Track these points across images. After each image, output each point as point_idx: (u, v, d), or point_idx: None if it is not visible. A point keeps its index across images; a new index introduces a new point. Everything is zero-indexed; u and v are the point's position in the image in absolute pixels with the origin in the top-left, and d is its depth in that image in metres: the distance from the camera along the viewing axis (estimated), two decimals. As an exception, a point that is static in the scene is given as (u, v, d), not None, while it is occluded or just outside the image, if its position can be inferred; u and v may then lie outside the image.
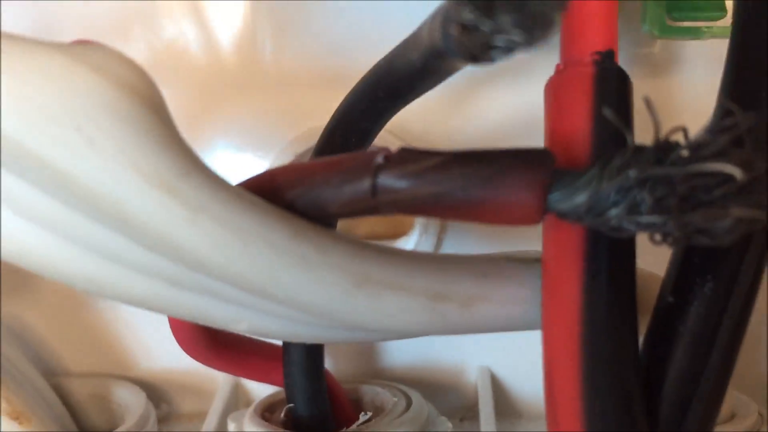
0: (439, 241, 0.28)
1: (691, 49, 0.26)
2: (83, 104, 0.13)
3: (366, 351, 0.30)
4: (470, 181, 0.14)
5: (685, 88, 0.27)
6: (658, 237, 0.14)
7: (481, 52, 0.11)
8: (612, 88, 0.16)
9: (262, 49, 0.28)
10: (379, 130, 0.19)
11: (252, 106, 0.29)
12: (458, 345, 0.30)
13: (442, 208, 0.14)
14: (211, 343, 0.21)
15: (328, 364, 0.23)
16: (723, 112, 0.15)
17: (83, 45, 0.13)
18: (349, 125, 0.19)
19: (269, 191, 0.15)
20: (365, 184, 0.14)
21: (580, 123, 0.16)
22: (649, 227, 0.13)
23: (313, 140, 0.27)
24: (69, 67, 0.13)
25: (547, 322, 0.15)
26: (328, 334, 0.16)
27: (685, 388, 0.15)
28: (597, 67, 0.16)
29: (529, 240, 0.17)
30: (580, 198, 0.14)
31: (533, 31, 0.11)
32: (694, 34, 0.22)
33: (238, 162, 0.29)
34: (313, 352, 0.22)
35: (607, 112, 0.13)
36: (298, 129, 0.28)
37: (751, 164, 0.13)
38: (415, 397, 0.24)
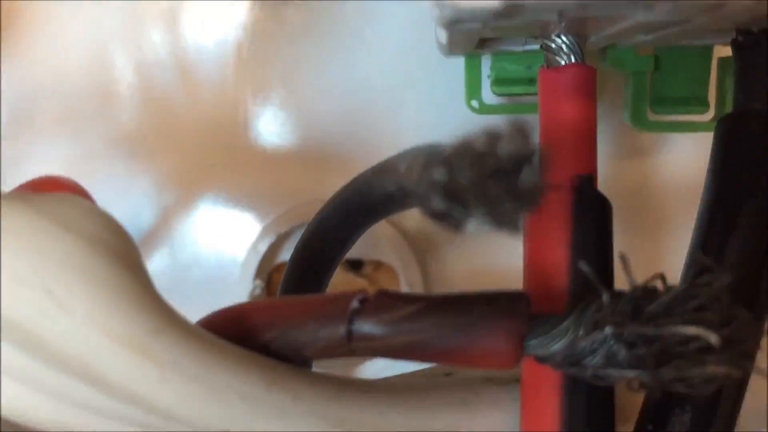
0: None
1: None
2: (53, 266, 0.12)
3: None
4: (444, 331, 0.14)
5: (671, 168, 0.27)
6: (635, 385, 0.14)
7: (452, 226, 0.11)
8: (591, 215, 0.16)
9: (247, 126, 0.28)
10: (356, 240, 0.19)
11: (239, 181, 0.29)
12: None
13: (418, 355, 0.14)
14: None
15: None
16: (698, 266, 0.15)
17: (55, 197, 0.13)
18: (326, 233, 0.19)
19: (244, 331, 0.15)
20: (341, 330, 0.14)
21: (558, 252, 0.16)
22: (625, 378, 0.13)
23: (297, 219, 0.27)
24: (39, 226, 0.13)
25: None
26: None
27: None
28: (576, 194, 0.16)
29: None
30: (557, 347, 0.14)
31: (503, 225, 0.10)
32: (676, 129, 0.22)
33: (224, 236, 0.29)
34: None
35: (584, 266, 0.13)
36: (282, 207, 0.28)
37: (727, 323, 0.13)
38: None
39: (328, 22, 0.27)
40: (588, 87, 0.17)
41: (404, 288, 0.27)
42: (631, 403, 0.17)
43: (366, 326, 0.14)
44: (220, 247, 0.29)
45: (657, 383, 0.13)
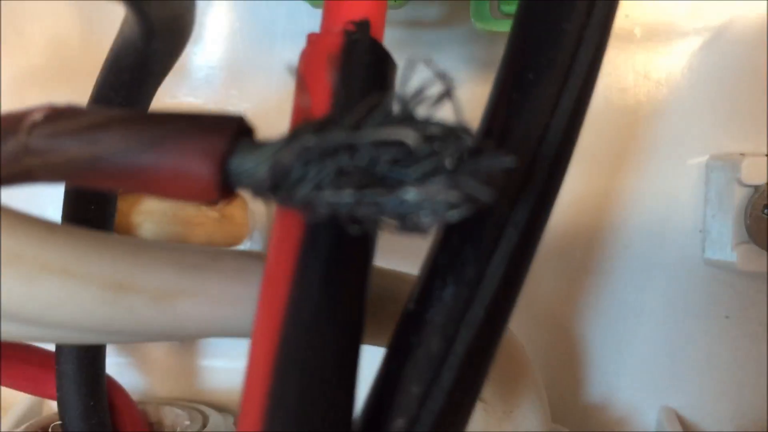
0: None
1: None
2: None
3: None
4: (131, 143, 0.12)
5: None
6: (351, 223, 0.11)
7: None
8: (361, 61, 0.14)
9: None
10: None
11: None
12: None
13: (103, 176, 0.12)
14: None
15: (143, 382, 0.21)
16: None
17: None
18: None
19: None
20: (19, 142, 0.12)
21: (322, 97, 0.14)
22: (334, 206, 0.11)
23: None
24: None
25: (255, 321, 0.13)
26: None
27: (410, 413, 0.13)
28: (346, 38, 0.14)
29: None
30: (262, 170, 0.11)
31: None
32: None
33: None
34: (88, 363, 0.20)
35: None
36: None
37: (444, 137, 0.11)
38: (213, 417, 0.22)
39: None
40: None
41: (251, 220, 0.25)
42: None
43: (44, 139, 0.12)
44: None
45: (363, 209, 0.11)
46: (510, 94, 0.14)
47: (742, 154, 0.24)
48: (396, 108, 0.11)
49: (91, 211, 0.19)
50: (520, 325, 0.25)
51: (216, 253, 0.14)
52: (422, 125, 0.11)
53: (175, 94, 0.27)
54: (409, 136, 0.10)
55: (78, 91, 0.17)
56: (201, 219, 0.27)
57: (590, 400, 0.26)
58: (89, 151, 0.12)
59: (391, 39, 0.25)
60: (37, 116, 0.12)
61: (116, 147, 0.12)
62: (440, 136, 0.11)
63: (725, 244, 0.23)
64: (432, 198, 0.11)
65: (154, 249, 0.14)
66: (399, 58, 0.25)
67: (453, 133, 0.11)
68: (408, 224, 0.11)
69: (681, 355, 0.25)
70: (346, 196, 0.11)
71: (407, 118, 0.11)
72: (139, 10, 0.13)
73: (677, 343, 0.25)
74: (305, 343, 0.12)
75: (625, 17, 0.25)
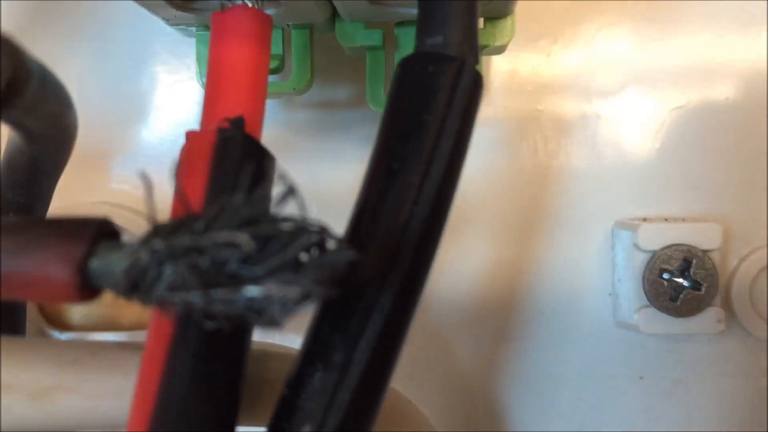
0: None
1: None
2: None
3: None
4: (-6, 251, 0.12)
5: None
6: (208, 319, 0.12)
7: None
8: (233, 155, 0.15)
9: None
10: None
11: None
12: None
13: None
14: None
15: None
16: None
17: None
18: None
19: None
20: None
21: (197, 194, 0.15)
22: (188, 304, 0.12)
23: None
24: None
25: (129, 414, 0.13)
26: None
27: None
28: (219, 135, 0.15)
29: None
30: (118, 272, 0.12)
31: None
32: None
33: None
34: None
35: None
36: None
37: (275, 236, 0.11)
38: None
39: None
40: (251, 28, 0.16)
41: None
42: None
43: None
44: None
45: (214, 309, 0.11)
46: (377, 183, 0.15)
47: (644, 219, 0.25)
48: (250, 208, 0.12)
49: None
50: (439, 394, 0.26)
51: (96, 347, 0.15)
52: (269, 224, 0.11)
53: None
54: (243, 240, 0.11)
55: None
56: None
57: (516, 466, 0.26)
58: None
59: (303, 120, 0.26)
60: None
61: (-21, 255, 0.12)
62: (290, 233, 0.12)
63: (631, 308, 0.24)
64: (275, 294, 0.11)
65: (34, 347, 0.14)
66: (310, 138, 0.26)
67: (301, 230, 0.12)
68: (263, 318, 0.12)
69: (601, 417, 0.26)
70: (196, 296, 0.11)
71: (255, 219, 0.11)
72: (10, 121, 0.13)
73: (596, 405, 0.26)
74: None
75: (529, 93, 0.26)
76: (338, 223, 0.25)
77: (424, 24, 0.16)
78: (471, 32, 0.16)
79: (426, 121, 0.15)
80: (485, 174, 0.26)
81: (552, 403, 0.26)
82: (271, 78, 0.18)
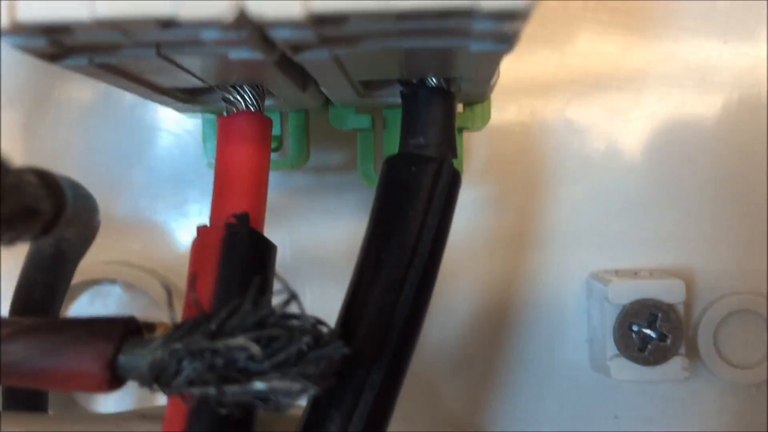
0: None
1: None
2: None
3: None
4: (33, 353, 0.14)
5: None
6: (221, 406, 0.14)
7: None
8: (240, 251, 0.17)
9: None
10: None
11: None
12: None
13: (15, 378, 0.14)
14: None
15: None
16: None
17: None
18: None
19: None
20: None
21: (207, 288, 0.16)
22: (203, 395, 0.14)
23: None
24: None
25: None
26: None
27: None
28: (227, 231, 0.17)
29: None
30: (143, 367, 0.14)
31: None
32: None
33: None
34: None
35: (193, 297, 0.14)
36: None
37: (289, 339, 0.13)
38: None
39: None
40: (253, 132, 0.18)
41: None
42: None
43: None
44: None
45: (225, 400, 0.13)
46: (366, 274, 0.17)
47: (616, 272, 0.27)
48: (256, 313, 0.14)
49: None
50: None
51: (120, 420, 0.17)
52: (273, 326, 0.13)
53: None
54: (254, 348, 0.13)
55: None
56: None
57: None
58: (4, 360, 0.14)
59: (300, 184, 0.28)
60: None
61: (21, 356, 0.14)
62: (291, 331, 0.14)
63: (604, 355, 0.26)
64: (279, 387, 0.13)
65: (60, 423, 0.16)
66: (307, 202, 0.28)
67: (300, 330, 0.14)
68: (270, 405, 0.14)
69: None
70: (210, 390, 0.13)
71: (261, 321, 0.13)
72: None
73: (574, 445, 0.28)
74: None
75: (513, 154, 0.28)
76: (333, 277, 0.28)
77: (408, 126, 0.18)
78: (449, 133, 0.18)
79: (409, 216, 0.17)
80: (471, 232, 0.28)
81: (534, 444, 0.28)
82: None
